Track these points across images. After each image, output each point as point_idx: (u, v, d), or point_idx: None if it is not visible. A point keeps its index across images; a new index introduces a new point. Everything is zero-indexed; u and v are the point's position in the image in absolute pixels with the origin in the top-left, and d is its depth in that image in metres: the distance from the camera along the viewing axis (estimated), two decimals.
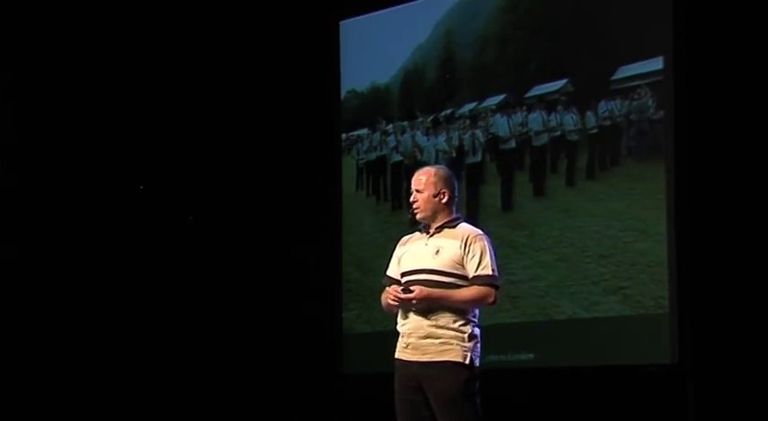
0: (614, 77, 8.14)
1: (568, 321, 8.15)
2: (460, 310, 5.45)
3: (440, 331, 5.44)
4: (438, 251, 5.51)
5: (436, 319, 5.45)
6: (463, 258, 5.47)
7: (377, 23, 9.61)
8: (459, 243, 5.49)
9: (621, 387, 7.83)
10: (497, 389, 8.45)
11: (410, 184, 9.24)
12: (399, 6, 9.42)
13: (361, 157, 9.80)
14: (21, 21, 9.44)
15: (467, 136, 9.05)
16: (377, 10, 9.57)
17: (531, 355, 8.40)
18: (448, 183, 5.60)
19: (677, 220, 7.73)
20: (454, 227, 5.57)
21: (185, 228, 9.89)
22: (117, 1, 9.65)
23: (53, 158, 9.53)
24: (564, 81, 8.47)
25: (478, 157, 8.97)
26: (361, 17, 9.70)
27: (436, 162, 9.19)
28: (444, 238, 5.54)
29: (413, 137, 9.43)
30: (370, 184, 9.72)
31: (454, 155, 9.12)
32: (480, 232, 5.55)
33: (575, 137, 8.40)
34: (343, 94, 9.87)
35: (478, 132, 8.99)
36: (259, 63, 9.88)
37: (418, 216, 5.62)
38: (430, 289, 5.44)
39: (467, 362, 5.43)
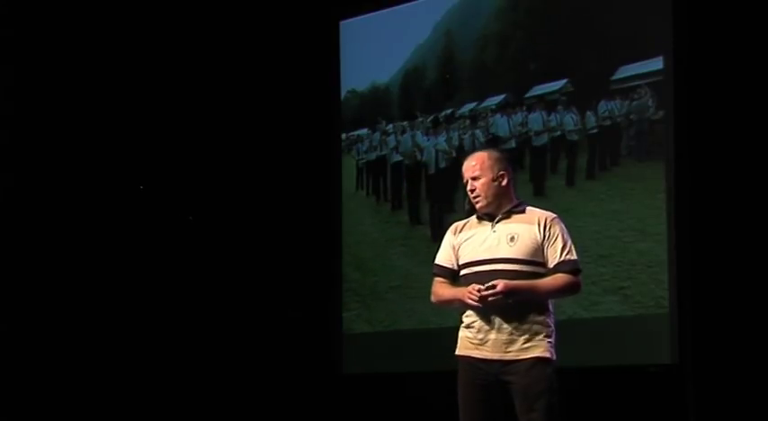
0: (614, 77, 8.14)
1: (568, 321, 8.12)
2: (541, 302, 5.10)
3: (525, 326, 5.09)
4: (513, 238, 5.10)
5: (519, 314, 5.08)
6: (543, 244, 5.09)
7: (377, 23, 9.61)
8: (535, 228, 5.12)
9: (621, 387, 7.83)
10: None
11: (411, 185, 9.38)
12: (399, 6, 9.42)
13: (361, 157, 9.80)
14: (20, 20, 9.44)
15: (467, 136, 9.05)
16: (377, 10, 9.57)
17: None
18: (505, 163, 5.24)
19: (677, 220, 7.72)
20: (523, 211, 5.19)
21: (185, 228, 9.88)
22: (117, 1, 9.65)
23: (53, 158, 9.52)
24: (564, 81, 8.47)
25: None
26: (361, 17, 9.70)
27: (436, 162, 9.21)
28: (516, 224, 5.14)
29: (413, 137, 9.43)
30: (370, 184, 9.72)
31: (454, 155, 9.12)
32: (554, 215, 5.21)
33: (575, 137, 8.40)
34: (343, 94, 9.87)
35: (478, 132, 8.99)
36: (259, 63, 9.88)
37: (479, 205, 5.19)
38: (513, 281, 5.04)
39: (553, 356, 5.14)
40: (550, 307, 5.16)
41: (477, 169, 5.18)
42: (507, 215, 5.18)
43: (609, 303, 7.98)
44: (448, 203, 9.08)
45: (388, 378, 9.17)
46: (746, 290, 7.37)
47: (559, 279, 5.09)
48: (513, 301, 5.06)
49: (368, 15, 9.66)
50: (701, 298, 7.56)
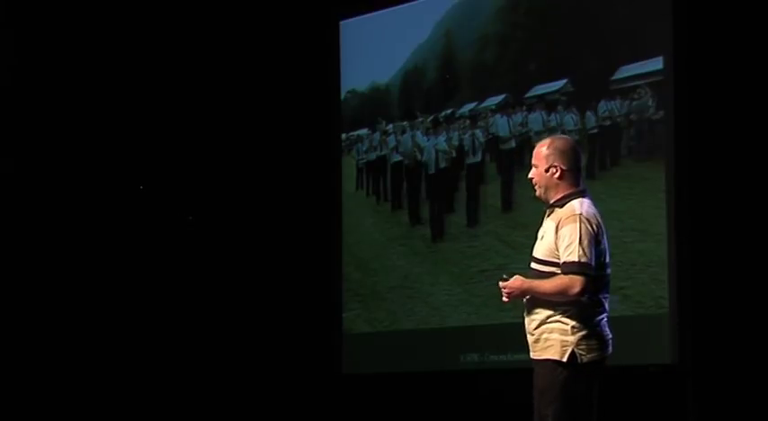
0: (614, 77, 8.14)
1: None
2: (559, 302, 4.97)
3: (543, 326, 5.01)
4: (543, 236, 5.05)
5: (538, 312, 5.03)
6: (557, 244, 4.97)
7: (377, 23, 9.61)
8: (554, 226, 5.00)
9: (621, 387, 7.82)
10: (497, 389, 8.47)
11: (411, 185, 9.40)
12: (399, 6, 9.42)
13: (361, 157, 9.80)
14: (20, 19, 9.44)
15: (467, 136, 9.05)
16: (377, 10, 9.57)
17: None
18: (563, 155, 5.06)
19: (677, 220, 7.72)
20: (562, 206, 5.04)
21: (185, 228, 9.88)
22: (117, 1, 9.65)
23: (53, 158, 9.52)
24: (564, 81, 8.47)
25: (478, 157, 8.97)
26: (361, 17, 9.70)
27: (436, 162, 9.21)
28: (550, 221, 5.05)
29: (413, 137, 9.43)
30: (370, 184, 9.72)
31: (454, 155, 9.12)
32: (578, 212, 4.98)
33: (575, 137, 8.37)
34: (343, 94, 9.87)
35: (478, 132, 8.99)
36: (259, 63, 9.88)
37: (536, 193, 5.13)
38: (524, 279, 5.03)
39: (565, 358, 4.95)
40: (576, 305, 4.97)
41: (535, 157, 5.12)
42: (552, 209, 5.09)
43: (609, 303, 7.97)
44: (448, 203, 9.08)
45: (388, 378, 9.17)
46: (746, 290, 7.37)
47: (555, 280, 4.97)
48: (528, 300, 5.07)
49: (368, 15, 9.66)
50: (701, 298, 7.56)
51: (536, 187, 5.14)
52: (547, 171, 5.07)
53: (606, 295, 5.10)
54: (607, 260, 5.08)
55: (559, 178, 5.07)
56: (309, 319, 9.61)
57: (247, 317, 9.74)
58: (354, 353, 9.45)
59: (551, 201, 5.09)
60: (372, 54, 9.64)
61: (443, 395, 8.85)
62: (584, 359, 4.98)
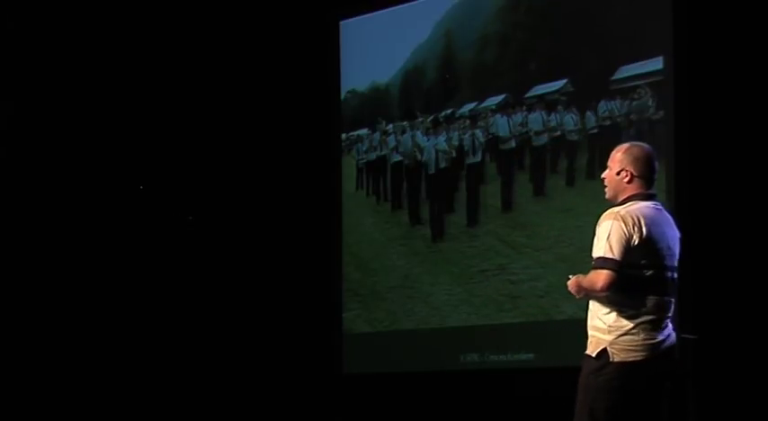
0: (614, 77, 8.14)
1: (568, 321, 8.13)
2: (602, 300, 5.05)
3: (591, 323, 5.13)
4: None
5: (590, 311, 5.15)
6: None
7: (377, 23, 9.61)
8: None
9: None
10: (497, 389, 8.48)
11: (411, 185, 9.39)
12: (399, 6, 9.42)
13: (361, 157, 9.80)
14: (21, 20, 9.44)
15: (467, 136, 9.05)
16: (377, 10, 9.57)
17: (531, 355, 8.40)
18: (636, 162, 5.16)
19: (677, 220, 7.71)
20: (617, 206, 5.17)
21: (185, 228, 9.88)
22: (117, 1, 9.65)
23: (54, 158, 9.52)
24: (564, 81, 8.47)
25: (478, 157, 8.97)
26: (361, 17, 9.70)
27: (436, 162, 9.20)
28: None
29: (413, 137, 9.43)
30: (370, 184, 9.72)
31: (454, 155, 9.12)
32: (617, 210, 5.12)
33: (575, 137, 8.40)
34: (343, 94, 9.88)
35: (478, 132, 8.99)
36: (259, 63, 9.88)
37: (606, 195, 5.25)
38: (579, 277, 5.10)
39: (594, 354, 5.05)
40: (617, 305, 5.04)
41: (610, 159, 5.23)
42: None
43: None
44: (448, 203, 9.08)
45: (388, 378, 9.18)
46: (746, 290, 7.37)
47: (587, 276, 5.07)
48: (583, 298, 5.15)
49: (368, 15, 9.66)
50: (701, 298, 7.56)
51: (606, 188, 5.24)
52: (618, 174, 5.19)
53: (658, 297, 5.11)
54: (659, 261, 5.13)
55: (628, 183, 5.18)
56: (309, 319, 9.61)
57: (248, 318, 9.74)
58: (354, 353, 9.45)
59: (617, 204, 5.18)
60: (372, 54, 9.64)
61: (443, 395, 8.85)
62: (616, 358, 5.03)
